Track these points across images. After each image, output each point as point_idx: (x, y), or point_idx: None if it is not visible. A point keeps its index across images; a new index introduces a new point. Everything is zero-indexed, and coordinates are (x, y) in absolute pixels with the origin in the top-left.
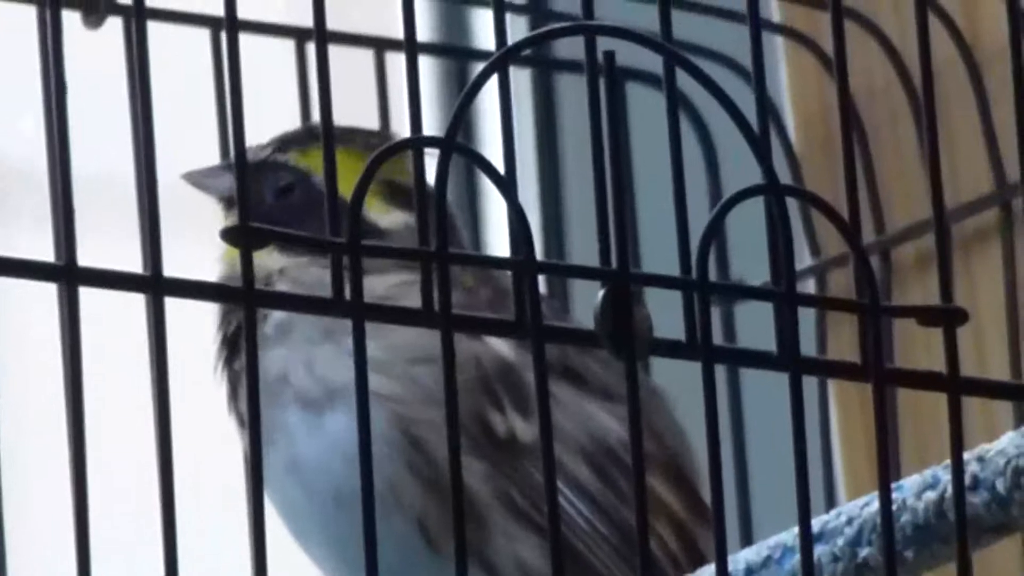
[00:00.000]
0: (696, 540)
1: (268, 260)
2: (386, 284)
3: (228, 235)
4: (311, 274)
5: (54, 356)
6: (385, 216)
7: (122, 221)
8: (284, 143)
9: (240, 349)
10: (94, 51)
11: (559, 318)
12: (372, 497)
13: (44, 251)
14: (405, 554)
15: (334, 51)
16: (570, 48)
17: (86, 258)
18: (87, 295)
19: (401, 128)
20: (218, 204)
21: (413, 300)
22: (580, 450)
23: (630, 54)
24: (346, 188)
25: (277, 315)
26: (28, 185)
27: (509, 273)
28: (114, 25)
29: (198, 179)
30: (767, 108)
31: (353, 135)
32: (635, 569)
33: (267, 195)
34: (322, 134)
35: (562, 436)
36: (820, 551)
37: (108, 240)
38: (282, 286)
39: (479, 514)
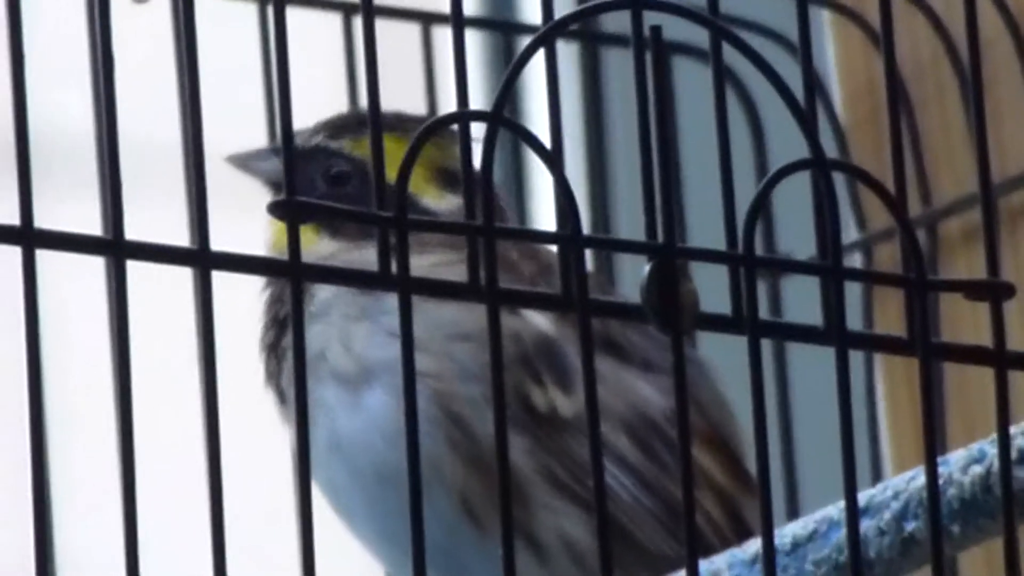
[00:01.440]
0: (741, 512)
1: (318, 247)
2: (428, 262)
3: (275, 209)
4: (359, 256)
5: (98, 330)
6: (440, 201)
7: (168, 193)
8: (336, 129)
9: (289, 328)
10: (141, 26)
11: (604, 292)
12: (419, 473)
13: (86, 224)
14: (448, 531)
15: (380, 25)
16: (616, 22)
17: (132, 230)
18: (134, 268)
19: (448, 102)
20: (265, 187)
21: (454, 278)
22: (623, 423)
23: (677, 28)
24: (396, 174)
25: (321, 295)
26: (72, 158)
27: (554, 248)
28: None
29: (243, 161)
30: (814, 83)
31: (402, 121)
32: (680, 541)
33: (319, 181)
34: (368, 107)
35: (604, 409)
36: (866, 525)
37: (154, 212)
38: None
39: (521, 489)
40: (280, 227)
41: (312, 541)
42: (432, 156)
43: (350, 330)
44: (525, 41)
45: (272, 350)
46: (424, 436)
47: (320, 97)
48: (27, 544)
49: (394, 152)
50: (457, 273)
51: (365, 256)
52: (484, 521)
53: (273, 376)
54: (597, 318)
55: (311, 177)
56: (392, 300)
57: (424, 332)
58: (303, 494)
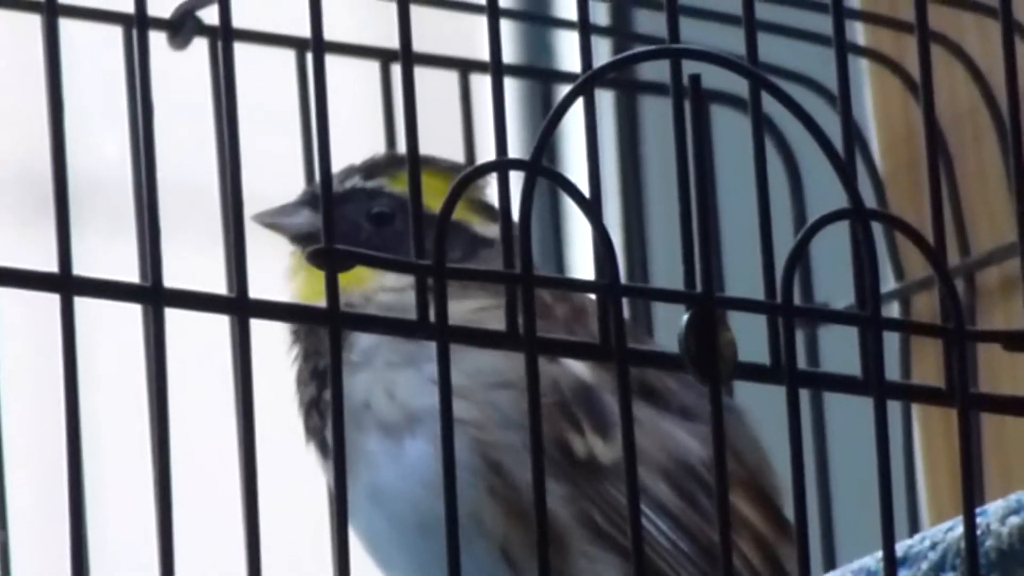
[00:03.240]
0: (780, 560)
1: (380, 280)
2: (465, 309)
3: (314, 257)
4: (401, 299)
5: (135, 374)
6: (490, 227)
7: (206, 239)
8: (369, 170)
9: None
10: (180, 71)
11: (640, 339)
12: (456, 523)
13: (124, 268)
14: None
15: (419, 72)
16: (654, 70)
17: (169, 276)
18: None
19: (486, 150)
20: (291, 243)
21: (493, 324)
22: (661, 470)
23: (715, 77)
24: (436, 208)
25: (363, 342)
26: (109, 203)
27: (591, 295)
28: (199, 46)
29: (271, 219)
30: (852, 131)
31: (435, 159)
32: None
33: (363, 223)
34: (408, 155)
35: (643, 456)
36: (904, 575)
37: (191, 258)
38: (368, 311)
39: (560, 537)
40: (309, 277)
41: None
42: (469, 191)
43: (394, 378)
44: (563, 89)
45: (314, 405)
46: (464, 485)
47: (358, 144)
48: None
49: (430, 185)
50: (496, 319)
51: (407, 299)
52: (523, 569)
53: (316, 431)
54: (637, 366)
55: (354, 220)
56: (435, 346)
57: (465, 380)
58: (340, 544)
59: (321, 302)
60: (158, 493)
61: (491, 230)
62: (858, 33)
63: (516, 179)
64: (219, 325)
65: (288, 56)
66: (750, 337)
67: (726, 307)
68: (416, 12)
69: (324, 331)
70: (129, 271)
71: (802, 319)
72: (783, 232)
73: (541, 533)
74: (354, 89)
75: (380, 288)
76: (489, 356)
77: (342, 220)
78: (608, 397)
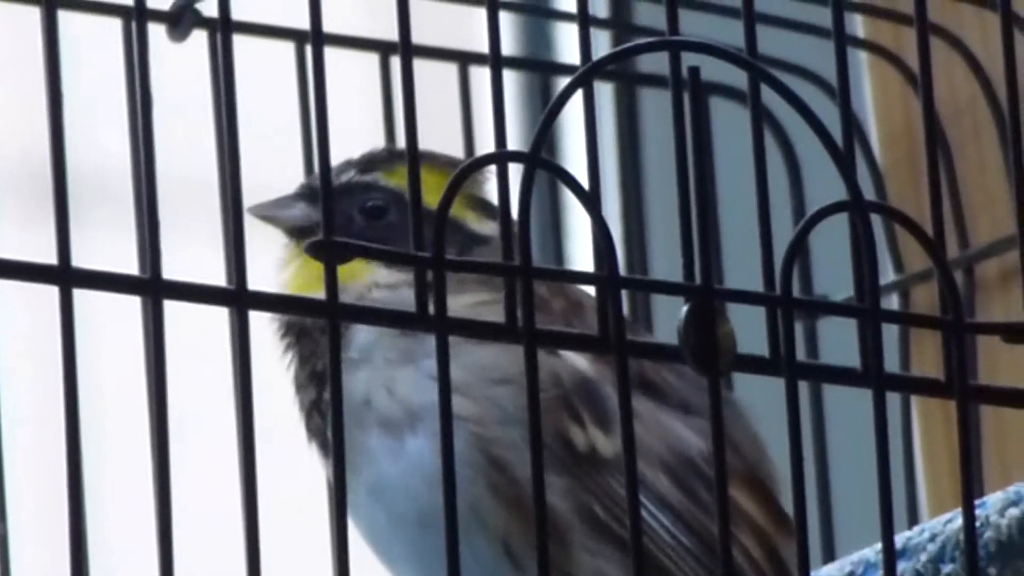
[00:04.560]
0: (779, 552)
1: (375, 275)
2: (463, 303)
3: (313, 249)
4: (395, 296)
5: (135, 366)
6: (483, 225)
7: (204, 231)
8: (365, 164)
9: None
10: (179, 64)
11: (639, 333)
12: (455, 518)
13: (122, 259)
14: (488, 573)
15: (418, 65)
16: (654, 62)
17: (167, 268)
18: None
19: (485, 141)
20: (286, 236)
21: (491, 319)
22: (661, 463)
23: (714, 69)
24: (434, 203)
25: (360, 340)
26: (108, 196)
27: (590, 288)
28: (198, 38)
29: (267, 211)
30: (851, 124)
31: (434, 154)
32: None
33: (356, 216)
34: (406, 146)
35: (642, 449)
36: (903, 567)
37: (190, 250)
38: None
39: (560, 530)
40: (300, 268)
41: None
42: (466, 186)
43: (393, 375)
44: (562, 81)
45: (315, 406)
46: (465, 481)
47: (357, 136)
48: None
49: (428, 181)
50: (494, 313)
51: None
52: (523, 563)
53: (318, 431)
54: (634, 359)
55: (348, 213)
56: (433, 342)
57: (464, 375)
58: (340, 539)
59: (311, 294)
60: (157, 485)
61: (487, 227)
62: (857, 25)
63: (515, 171)
64: (218, 318)
65: (287, 48)
66: (749, 330)
67: (725, 299)
68: (415, 4)
69: (318, 334)
70: (129, 264)
71: (801, 311)
72: (782, 224)
73: (541, 528)
74: (353, 81)
75: (373, 284)
76: (488, 352)
77: (336, 214)
78: (609, 390)
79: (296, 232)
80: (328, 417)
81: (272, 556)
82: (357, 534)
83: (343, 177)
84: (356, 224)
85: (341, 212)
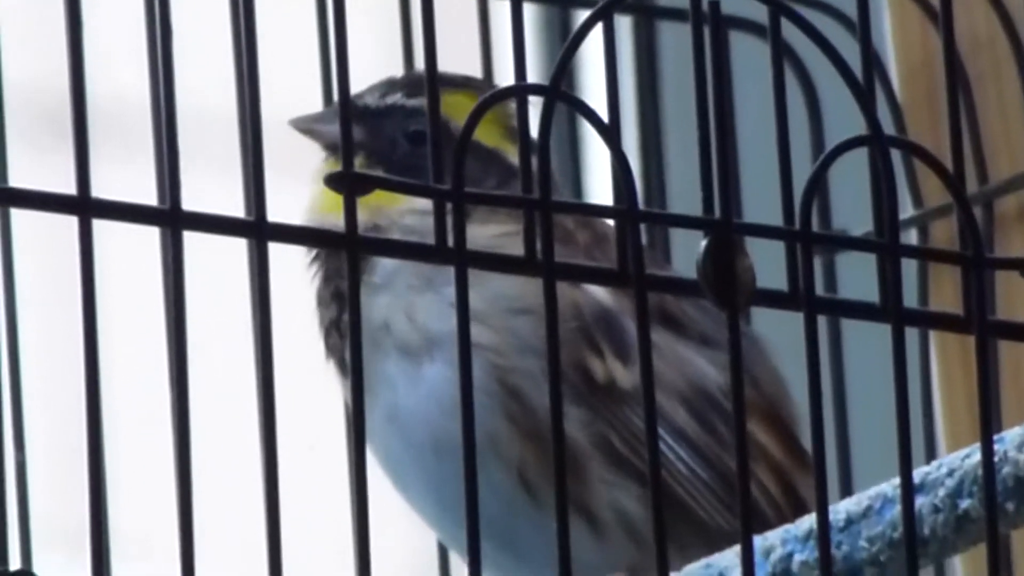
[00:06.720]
0: (796, 487)
1: (408, 202)
2: (488, 234)
3: (332, 181)
4: (426, 222)
5: (153, 298)
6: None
7: (222, 162)
8: (411, 87)
9: None
10: None
11: (659, 266)
12: (473, 446)
13: (140, 193)
14: (505, 504)
15: None
16: None
17: (187, 200)
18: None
19: (504, 74)
20: (323, 150)
21: (514, 250)
22: (679, 396)
23: (734, 2)
24: (479, 135)
25: (384, 265)
26: (126, 127)
27: (610, 221)
28: None
29: (307, 125)
30: (871, 58)
31: (471, 80)
32: (736, 515)
33: (401, 140)
34: (426, 78)
35: (661, 382)
36: (921, 502)
37: (209, 181)
38: (392, 234)
39: (577, 462)
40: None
41: (367, 511)
42: (506, 114)
43: (414, 301)
44: (582, 15)
45: (334, 325)
46: (482, 410)
47: (375, 67)
48: (79, 515)
49: (469, 108)
50: (517, 245)
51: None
52: (540, 494)
53: (336, 350)
54: (655, 292)
55: (391, 136)
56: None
57: (484, 305)
58: (358, 464)
59: (338, 215)
60: (175, 416)
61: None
62: None
63: (535, 104)
64: (238, 249)
65: None
66: (768, 264)
67: (744, 233)
68: None
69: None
70: (146, 197)
71: (820, 246)
72: (801, 159)
73: (558, 458)
74: (372, 11)
75: (409, 210)
76: (509, 282)
77: (380, 135)
78: (629, 323)
79: (335, 147)
80: (346, 337)
81: (289, 480)
82: (372, 459)
83: (388, 99)
84: (400, 148)
85: (384, 134)
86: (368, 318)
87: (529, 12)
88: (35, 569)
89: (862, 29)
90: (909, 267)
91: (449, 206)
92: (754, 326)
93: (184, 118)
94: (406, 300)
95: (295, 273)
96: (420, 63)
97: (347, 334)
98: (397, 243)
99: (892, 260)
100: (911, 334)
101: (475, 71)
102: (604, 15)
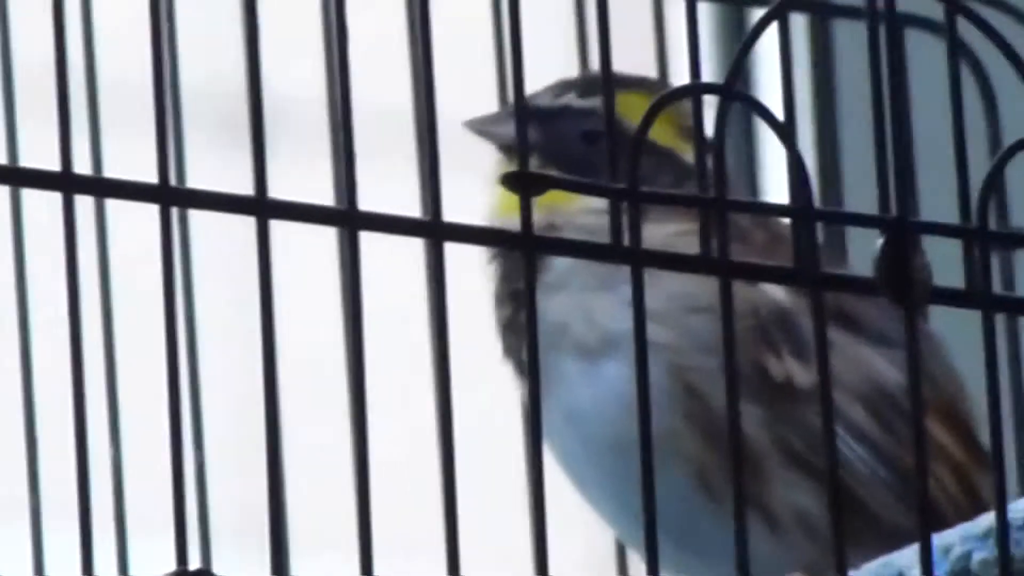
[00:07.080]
0: (975, 485)
1: (582, 201)
2: (665, 232)
3: (507, 181)
4: (602, 222)
5: (330, 297)
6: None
7: (397, 161)
8: (585, 87)
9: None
10: None
11: (835, 265)
12: (650, 445)
13: (313, 194)
14: (682, 501)
15: None
16: None
17: (362, 200)
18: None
19: (678, 74)
20: (498, 152)
21: (690, 249)
22: (857, 395)
23: (910, 0)
24: (653, 136)
25: (559, 264)
26: (300, 127)
27: (785, 220)
28: None
29: (482, 126)
30: None
31: (645, 80)
32: (913, 512)
33: (574, 140)
34: (602, 79)
35: (839, 381)
36: None
37: (384, 181)
38: (568, 233)
39: (757, 461)
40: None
41: (544, 509)
42: (679, 113)
43: (590, 301)
44: (757, 14)
45: (510, 325)
46: (661, 409)
47: (550, 68)
48: (255, 513)
49: (644, 108)
50: (693, 244)
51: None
52: (718, 493)
53: (513, 351)
54: (830, 291)
55: (566, 137)
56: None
57: (661, 304)
58: (535, 462)
59: (517, 215)
60: (353, 415)
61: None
62: None
63: (710, 104)
64: (412, 248)
65: None
66: (944, 262)
67: (920, 231)
68: None
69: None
70: (316, 196)
71: (997, 244)
72: (978, 157)
73: (736, 458)
74: (547, 13)
75: (584, 209)
76: (686, 280)
77: (554, 136)
78: (806, 322)
79: (509, 149)
80: (523, 337)
81: (467, 476)
82: (550, 458)
83: (562, 99)
84: (575, 148)
85: (559, 135)
86: (544, 318)
87: (704, 11)
88: (214, 568)
89: None
90: None
91: (624, 205)
92: (931, 324)
93: (361, 119)
94: (582, 300)
95: (473, 273)
96: (595, 63)
97: (522, 334)
98: (573, 242)
99: None
100: None
101: (650, 71)
102: (779, 14)
